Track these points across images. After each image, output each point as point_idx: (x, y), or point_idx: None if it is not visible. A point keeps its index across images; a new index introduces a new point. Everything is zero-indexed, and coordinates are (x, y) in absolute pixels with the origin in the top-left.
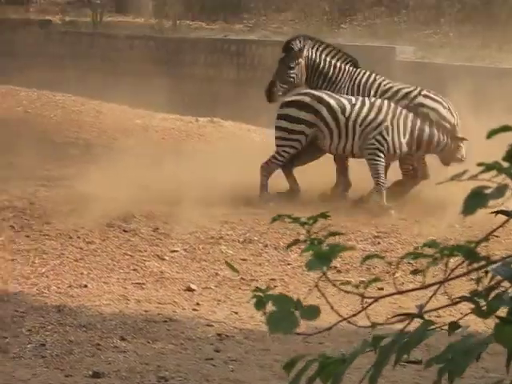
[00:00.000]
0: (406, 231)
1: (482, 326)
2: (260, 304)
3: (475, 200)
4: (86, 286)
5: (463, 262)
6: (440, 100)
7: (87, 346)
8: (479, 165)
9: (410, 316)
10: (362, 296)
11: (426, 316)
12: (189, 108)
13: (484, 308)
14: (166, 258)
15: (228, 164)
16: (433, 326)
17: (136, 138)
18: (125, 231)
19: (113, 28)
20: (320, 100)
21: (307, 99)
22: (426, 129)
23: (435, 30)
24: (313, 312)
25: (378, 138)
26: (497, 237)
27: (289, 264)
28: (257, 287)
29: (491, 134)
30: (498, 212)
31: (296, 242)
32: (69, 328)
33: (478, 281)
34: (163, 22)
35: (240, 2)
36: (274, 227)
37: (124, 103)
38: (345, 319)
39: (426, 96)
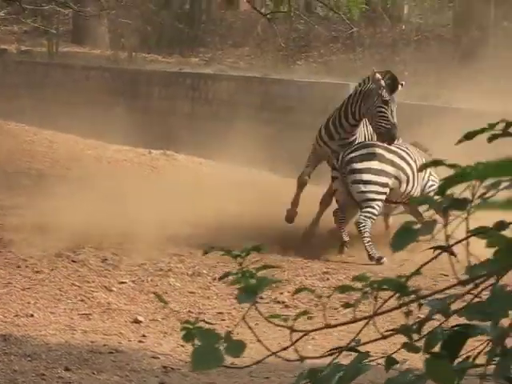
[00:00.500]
0: (355, 267)
1: (419, 360)
2: (188, 336)
3: (404, 236)
4: (32, 316)
5: (394, 295)
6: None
7: (32, 376)
8: (413, 201)
9: (343, 349)
10: (291, 329)
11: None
12: (142, 140)
13: (417, 342)
14: (114, 289)
15: (179, 197)
16: (367, 360)
17: (88, 169)
18: (73, 261)
19: (69, 58)
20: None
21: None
22: None
23: (390, 67)
24: (238, 348)
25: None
26: (446, 275)
27: (237, 298)
28: (187, 320)
29: (459, 142)
30: (434, 247)
31: (227, 274)
32: (13, 357)
33: (408, 314)
34: (119, 54)
35: (196, 36)
36: (224, 261)
37: (78, 133)
38: (273, 353)
39: None
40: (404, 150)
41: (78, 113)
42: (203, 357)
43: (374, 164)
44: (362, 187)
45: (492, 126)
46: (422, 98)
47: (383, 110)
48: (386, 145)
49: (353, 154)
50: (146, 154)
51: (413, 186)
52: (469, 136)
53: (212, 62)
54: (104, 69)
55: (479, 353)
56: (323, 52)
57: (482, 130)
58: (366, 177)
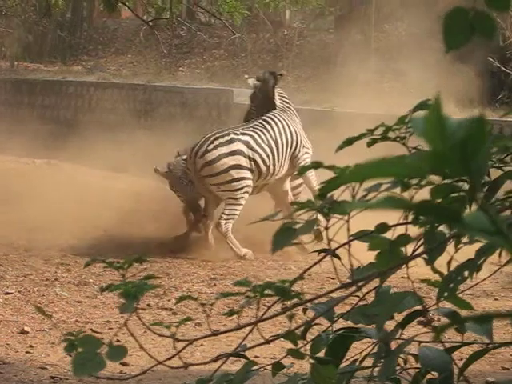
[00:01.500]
0: (242, 273)
1: (307, 364)
2: (71, 348)
3: (283, 236)
4: None
5: (278, 300)
6: None
7: None
8: (292, 203)
9: (228, 355)
10: (174, 338)
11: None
12: (26, 149)
13: (301, 348)
14: (0, 300)
15: (63, 206)
16: (256, 367)
17: None
18: None
19: None
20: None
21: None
22: None
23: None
24: (119, 353)
25: None
26: (332, 278)
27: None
28: (69, 332)
29: (339, 148)
30: (318, 251)
31: (110, 286)
32: None
33: (291, 318)
34: (1, 63)
35: (79, 45)
36: (111, 269)
37: None
38: (160, 363)
39: None
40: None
41: None
42: (84, 362)
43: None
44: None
45: (371, 131)
46: (306, 103)
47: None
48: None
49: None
50: (29, 163)
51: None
52: (349, 141)
53: (94, 69)
54: None
55: (366, 355)
56: (206, 58)
57: (362, 136)
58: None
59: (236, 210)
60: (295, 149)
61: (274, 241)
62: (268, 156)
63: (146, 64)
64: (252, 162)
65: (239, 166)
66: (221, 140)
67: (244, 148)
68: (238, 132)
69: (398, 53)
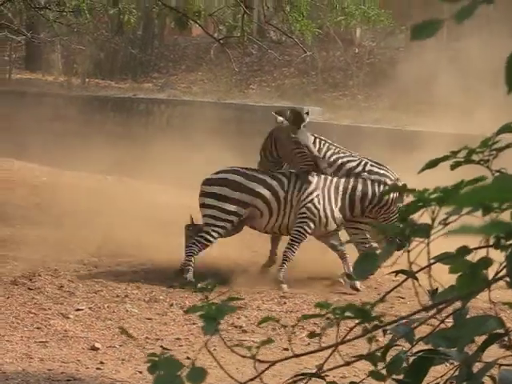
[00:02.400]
0: (312, 291)
1: None
2: (154, 368)
3: (367, 262)
4: None
5: (359, 322)
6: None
7: None
8: (374, 227)
9: (307, 376)
10: (255, 359)
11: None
12: (96, 166)
13: (381, 369)
14: (71, 316)
15: (135, 223)
16: None
17: (41, 195)
18: (29, 289)
19: (22, 85)
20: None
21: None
22: (359, 187)
23: (343, 91)
24: (199, 375)
25: (309, 205)
26: (402, 298)
27: (194, 323)
28: (153, 352)
29: (422, 170)
30: (397, 272)
31: (194, 308)
32: None
33: (370, 340)
34: (72, 80)
35: (149, 62)
36: (182, 287)
37: (33, 160)
38: None
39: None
40: (277, 178)
41: (32, 140)
42: None
43: (223, 190)
44: (204, 211)
45: (455, 153)
46: (377, 121)
47: (298, 150)
48: (250, 172)
49: (208, 177)
50: (102, 179)
51: (282, 215)
52: (433, 163)
53: (165, 87)
54: (57, 95)
55: (448, 379)
56: (276, 76)
57: (446, 158)
58: (208, 201)
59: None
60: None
61: (356, 269)
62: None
63: (217, 82)
64: None
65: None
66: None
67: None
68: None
69: (469, 71)
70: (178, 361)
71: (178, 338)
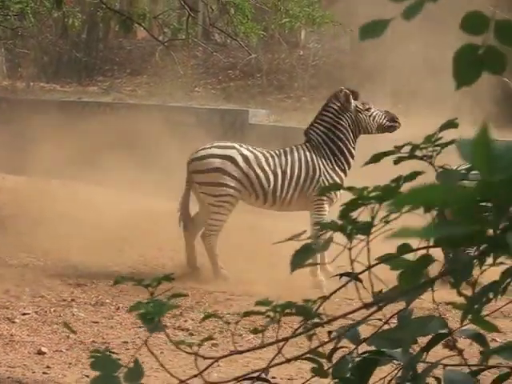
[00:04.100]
0: (258, 294)
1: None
2: (96, 365)
3: (302, 254)
4: None
5: (302, 321)
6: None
7: None
8: (315, 224)
9: (251, 378)
10: (197, 355)
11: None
12: (41, 169)
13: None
14: (17, 320)
15: (81, 227)
16: None
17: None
18: None
19: None
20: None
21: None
22: None
23: (288, 94)
24: (136, 375)
25: None
26: (350, 299)
27: (141, 327)
28: (95, 349)
29: (365, 164)
30: (341, 274)
31: (138, 305)
32: None
33: (310, 338)
34: (17, 84)
35: (95, 65)
36: (128, 290)
37: None
38: (182, 381)
39: None
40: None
41: None
42: None
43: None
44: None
45: (399, 149)
46: None
47: (374, 113)
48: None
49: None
50: (45, 184)
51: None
52: (376, 158)
53: (110, 90)
54: (1, 99)
55: (391, 379)
56: (221, 79)
57: (389, 153)
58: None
59: (218, 220)
60: (309, 187)
61: (292, 260)
62: (268, 181)
63: (162, 84)
64: (245, 178)
65: (225, 172)
66: (221, 144)
67: (240, 159)
68: (245, 146)
69: (412, 74)
70: (115, 361)
71: (125, 342)
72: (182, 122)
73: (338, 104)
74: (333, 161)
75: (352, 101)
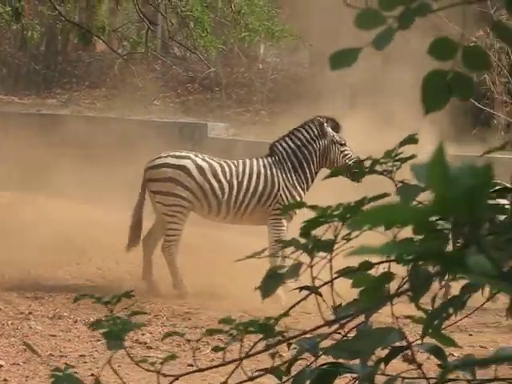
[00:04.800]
0: (216, 307)
1: None
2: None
3: (272, 281)
4: None
5: (262, 338)
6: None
7: None
8: (277, 241)
9: None
10: (159, 374)
11: None
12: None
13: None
14: None
15: (36, 240)
16: None
17: None
18: None
19: None
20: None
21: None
22: None
23: (247, 107)
24: None
25: None
26: (308, 313)
27: (98, 340)
28: (56, 367)
29: (326, 178)
30: (301, 288)
31: (99, 321)
32: None
33: (274, 356)
34: None
35: (53, 78)
36: (85, 303)
37: None
38: None
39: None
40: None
41: None
42: None
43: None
44: None
45: (359, 164)
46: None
47: (346, 151)
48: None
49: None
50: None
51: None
52: (336, 173)
53: (69, 103)
54: None
55: None
56: (180, 92)
57: (347, 169)
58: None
59: (173, 230)
60: (267, 201)
61: (263, 287)
62: (223, 191)
63: (121, 97)
64: (198, 189)
65: (178, 183)
66: (177, 153)
67: (194, 170)
68: (201, 156)
69: (372, 87)
70: (77, 378)
71: (83, 355)
72: (140, 135)
73: (318, 128)
74: (294, 177)
75: (329, 130)
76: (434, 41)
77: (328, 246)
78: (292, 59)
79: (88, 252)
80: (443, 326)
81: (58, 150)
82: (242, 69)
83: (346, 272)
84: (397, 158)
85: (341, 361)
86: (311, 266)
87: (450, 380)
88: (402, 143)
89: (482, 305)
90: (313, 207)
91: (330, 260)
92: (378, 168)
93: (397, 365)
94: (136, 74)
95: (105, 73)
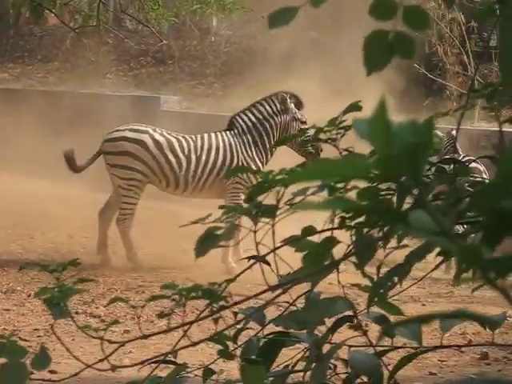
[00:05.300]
0: (172, 279)
1: (237, 371)
2: (1, 351)
3: (207, 241)
4: None
5: (209, 304)
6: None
7: None
8: (220, 207)
9: (160, 361)
10: (102, 339)
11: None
12: None
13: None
14: None
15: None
16: (184, 371)
17: None
18: None
19: None
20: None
21: None
22: None
23: (200, 80)
24: (43, 361)
25: None
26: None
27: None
28: (1, 335)
29: (272, 147)
30: (249, 258)
31: (44, 290)
32: None
33: (216, 321)
34: None
35: (5, 52)
36: (39, 277)
37: None
38: (88, 366)
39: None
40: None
41: None
42: (9, 373)
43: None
44: None
45: (303, 132)
46: (234, 110)
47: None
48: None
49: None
50: None
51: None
52: (281, 141)
53: (21, 76)
54: None
55: (298, 360)
56: (133, 65)
57: (294, 136)
58: None
59: (128, 203)
60: (225, 174)
61: (197, 247)
62: (180, 166)
63: (73, 71)
64: (155, 163)
65: (135, 156)
66: (135, 127)
67: (151, 144)
68: (159, 131)
69: (322, 60)
70: (22, 347)
71: (36, 329)
72: (93, 109)
73: (280, 103)
74: (254, 150)
75: (291, 106)
76: (374, 1)
77: (271, 212)
78: (245, 31)
79: (41, 226)
80: (396, 296)
81: (11, 124)
82: (194, 42)
83: (290, 240)
84: (341, 125)
85: (289, 330)
86: (255, 232)
87: (397, 347)
88: (346, 111)
89: (429, 272)
90: (256, 172)
91: (273, 225)
92: (322, 136)
93: (348, 333)
94: (88, 47)
95: (57, 46)
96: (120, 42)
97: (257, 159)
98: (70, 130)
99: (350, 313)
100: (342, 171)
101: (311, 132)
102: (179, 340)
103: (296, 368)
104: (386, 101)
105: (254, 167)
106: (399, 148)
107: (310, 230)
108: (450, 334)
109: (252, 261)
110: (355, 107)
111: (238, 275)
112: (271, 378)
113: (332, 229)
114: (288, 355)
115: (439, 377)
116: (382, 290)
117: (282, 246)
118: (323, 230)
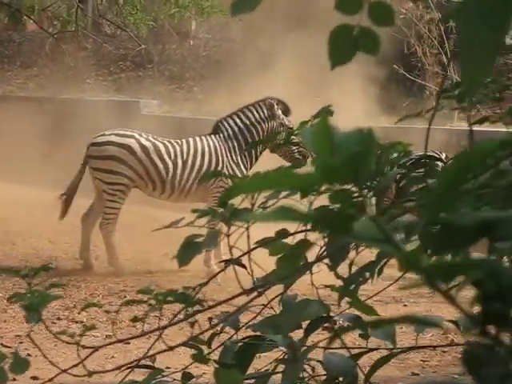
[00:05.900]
0: (155, 283)
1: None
2: None
3: (189, 250)
4: None
5: (184, 308)
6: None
7: None
8: (194, 211)
9: (134, 366)
10: (78, 345)
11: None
12: None
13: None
14: None
15: None
16: (161, 375)
17: None
18: None
19: None
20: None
21: None
22: None
23: (180, 84)
24: (21, 366)
25: None
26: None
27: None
28: None
29: (245, 149)
30: (225, 261)
31: (17, 295)
32: None
33: (192, 325)
34: None
35: None
36: (21, 283)
37: None
38: (63, 371)
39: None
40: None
41: None
42: None
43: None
44: None
45: (275, 136)
46: (214, 113)
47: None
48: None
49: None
50: None
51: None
52: (252, 144)
53: (1, 83)
54: None
55: (277, 365)
56: (112, 70)
57: (266, 140)
58: None
59: (112, 208)
60: (210, 179)
61: (179, 256)
62: (167, 171)
63: (53, 77)
64: (141, 168)
65: (121, 161)
66: (121, 132)
67: (138, 149)
68: (145, 135)
69: (302, 62)
70: (0, 352)
71: (19, 335)
72: (73, 114)
73: (268, 109)
74: (239, 156)
75: (279, 112)
76: None
77: (244, 215)
78: (224, 35)
79: (23, 232)
80: (378, 297)
81: None
82: (173, 45)
83: (264, 242)
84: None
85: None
86: (228, 235)
87: (372, 349)
88: (317, 114)
89: (402, 274)
90: (231, 177)
91: (247, 228)
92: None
93: (326, 335)
94: (67, 53)
95: (36, 52)
96: (99, 47)
97: (241, 164)
98: (50, 135)
99: (324, 315)
100: (290, 182)
101: (297, 139)
102: (153, 343)
103: (277, 370)
104: (329, 110)
105: (238, 172)
106: (341, 157)
107: (283, 233)
108: (431, 335)
109: (227, 264)
110: (327, 111)
111: (209, 279)
112: (249, 381)
113: (306, 230)
114: (271, 357)
115: (421, 377)
116: (352, 287)
117: (255, 247)
118: (296, 232)
